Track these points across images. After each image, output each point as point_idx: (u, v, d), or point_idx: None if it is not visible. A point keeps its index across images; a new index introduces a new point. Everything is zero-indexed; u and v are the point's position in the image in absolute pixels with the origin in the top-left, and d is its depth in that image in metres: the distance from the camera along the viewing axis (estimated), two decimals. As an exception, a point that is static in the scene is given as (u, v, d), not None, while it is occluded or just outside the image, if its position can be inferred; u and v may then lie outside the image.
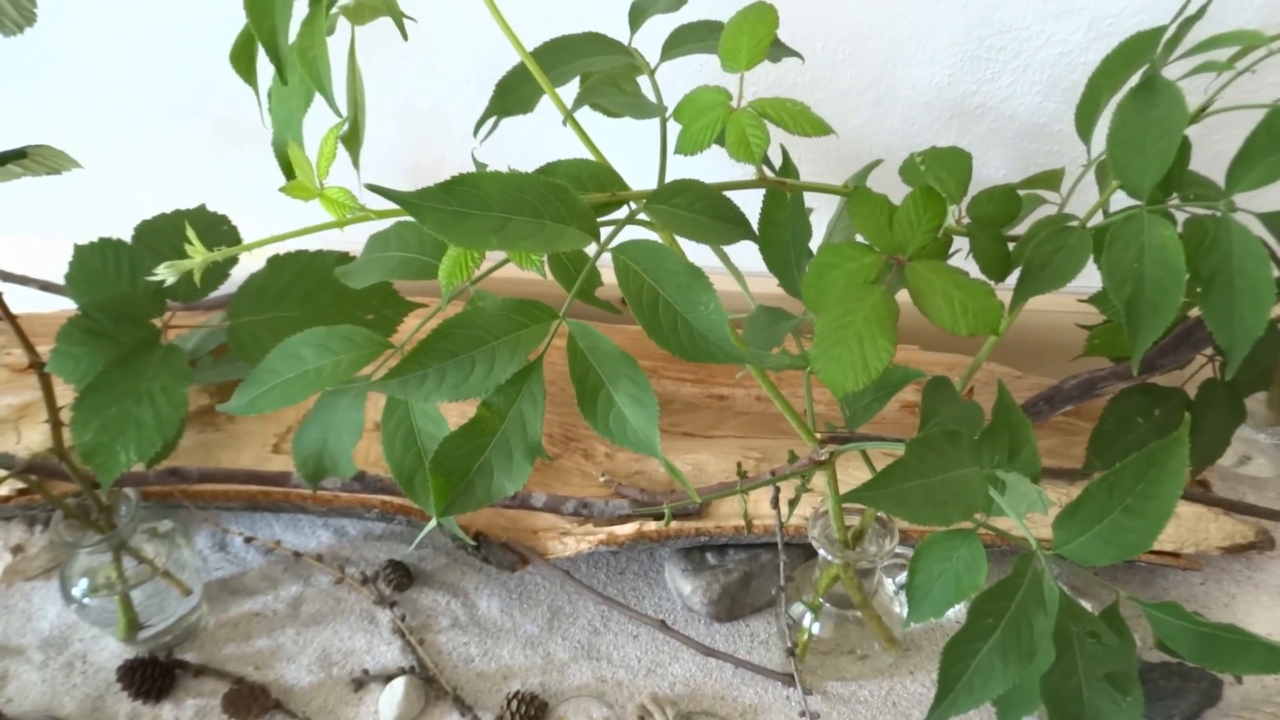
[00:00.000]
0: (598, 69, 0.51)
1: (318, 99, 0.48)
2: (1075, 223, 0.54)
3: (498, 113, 0.51)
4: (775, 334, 0.62)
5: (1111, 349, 0.63)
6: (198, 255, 0.39)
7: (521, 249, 0.39)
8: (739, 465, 0.64)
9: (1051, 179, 0.58)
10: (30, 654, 0.72)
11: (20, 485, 0.63)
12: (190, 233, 0.39)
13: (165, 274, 0.38)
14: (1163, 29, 0.55)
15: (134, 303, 0.53)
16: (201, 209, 0.59)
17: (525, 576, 0.75)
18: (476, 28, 0.76)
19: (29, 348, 0.53)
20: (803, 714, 0.63)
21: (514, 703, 0.65)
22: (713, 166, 0.57)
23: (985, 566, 0.49)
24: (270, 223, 0.47)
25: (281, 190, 0.41)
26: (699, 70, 0.74)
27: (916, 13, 0.71)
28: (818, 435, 0.57)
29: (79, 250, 0.54)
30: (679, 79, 0.68)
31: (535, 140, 0.78)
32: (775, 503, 0.65)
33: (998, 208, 0.55)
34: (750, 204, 0.49)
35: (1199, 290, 0.50)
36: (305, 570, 0.77)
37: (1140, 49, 0.56)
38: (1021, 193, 0.58)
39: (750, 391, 0.78)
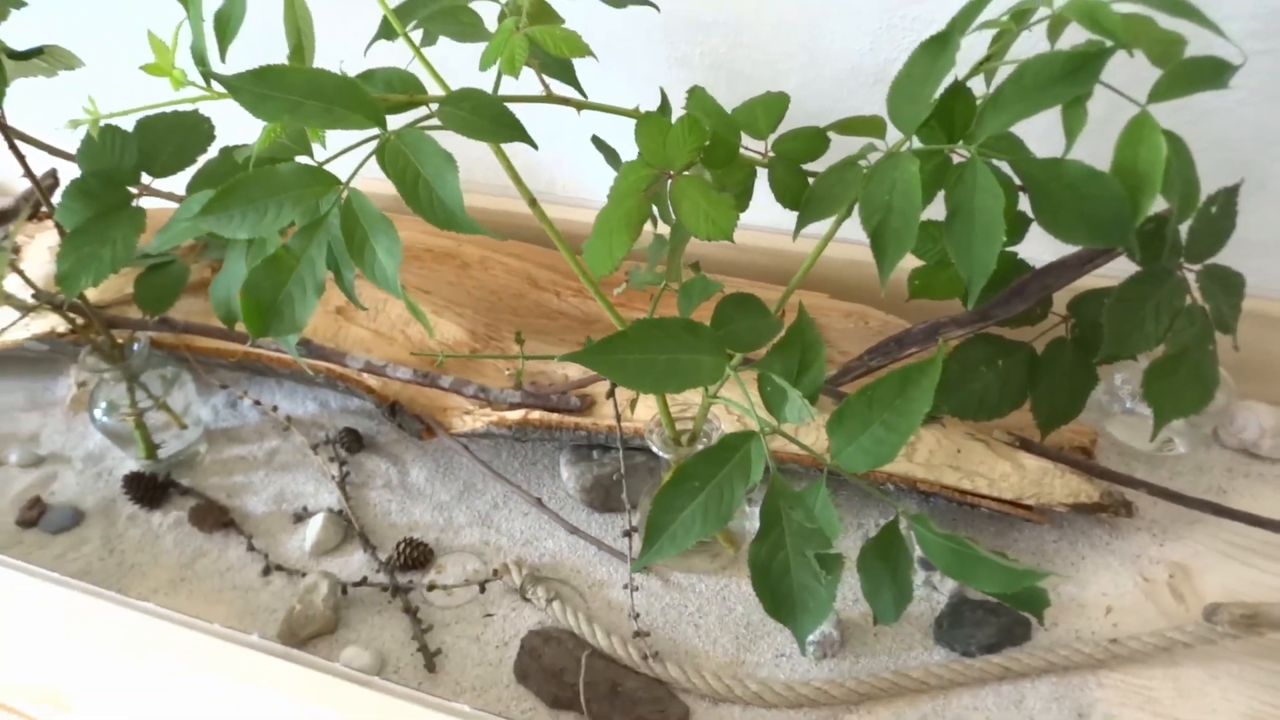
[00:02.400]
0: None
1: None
2: (864, 163, 0.60)
3: (382, 36, 0.64)
4: (654, 255, 0.71)
5: (931, 291, 0.68)
6: (92, 115, 0.53)
7: (312, 125, 0.51)
8: (586, 339, 0.73)
9: (875, 126, 0.64)
10: (75, 463, 0.92)
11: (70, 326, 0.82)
12: (91, 100, 0.53)
13: (68, 126, 0.53)
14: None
15: (119, 174, 0.69)
16: (194, 112, 0.75)
17: (452, 457, 0.87)
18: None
19: (48, 204, 0.71)
20: (625, 586, 0.72)
21: (403, 545, 0.77)
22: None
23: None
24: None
25: (142, 68, 0.55)
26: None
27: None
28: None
29: (89, 111, 0.70)
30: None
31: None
32: (610, 395, 0.73)
33: (802, 145, 0.62)
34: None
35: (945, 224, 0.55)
36: (289, 430, 0.92)
37: (973, 11, 0.61)
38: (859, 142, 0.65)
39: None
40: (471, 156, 0.93)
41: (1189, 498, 0.72)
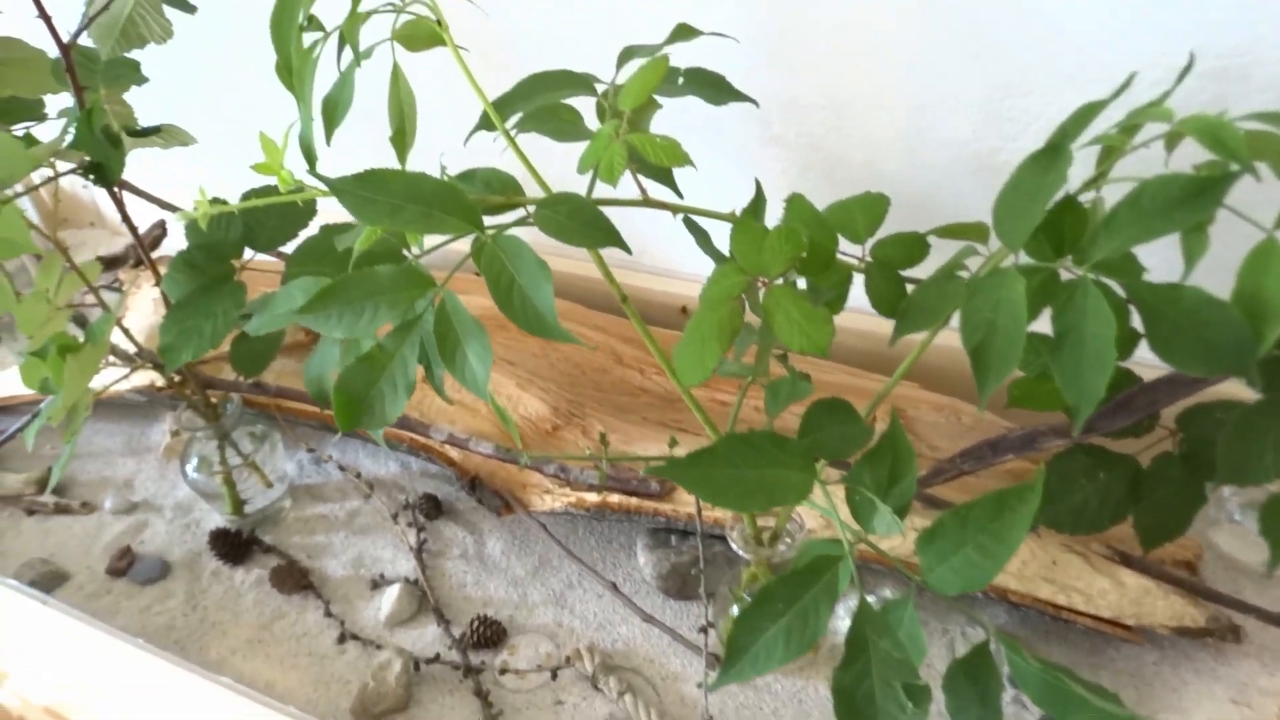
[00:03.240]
0: (564, 99, 0.62)
1: (368, 107, 0.63)
2: (966, 274, 0.58)
3: (482, 127, 0.64)
4: (742, 343, 0.70)
5: (1031, 402, 0.65)
6: (202, 208, 0.55)
7: (411, 230, 0.51)
8: (671, 439, 0.72)
9: (978, 232, 0.62)
10: (165, 512, 0.94)
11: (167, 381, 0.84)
12: (201, 191, 0.55)
13: (180, 218, 0.54)
14: (1105, 102, 0.58)
15: (223, 247, 0.71)
16: (300, 184, 0.77)
17: (529, 529, 0.87)
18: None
19: (156, 274, 0.73)
20: (699, 685, 0.71)
21: (476, 623, 0.77)
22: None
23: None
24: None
25: (253, 168, 0.57)
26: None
27: (944, 67, 0.76)
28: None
29: (200, 191, 0.72)
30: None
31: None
32: None
33: (902, 251, 0.60)
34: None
35: (1052, 348, 0.53)
36: (372, 490, 0.93)
37: (1081, 119, 0.59)
38: (957, 243, 0.63)
39: (750, 401, 0.85)
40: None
41: (1305, 627, 0.68)
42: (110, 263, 1.15)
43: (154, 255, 1.07)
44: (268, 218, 0.74)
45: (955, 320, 0.60)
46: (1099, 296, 0.51)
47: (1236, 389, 0.67)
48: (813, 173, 0.86)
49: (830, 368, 0.87)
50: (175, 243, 1.06)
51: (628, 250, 0.55)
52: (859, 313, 0.88)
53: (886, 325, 0.88)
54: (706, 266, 0.57)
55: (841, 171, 0.85)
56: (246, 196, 0.73)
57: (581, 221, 0.53)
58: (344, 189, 0.51)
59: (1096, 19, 0.70)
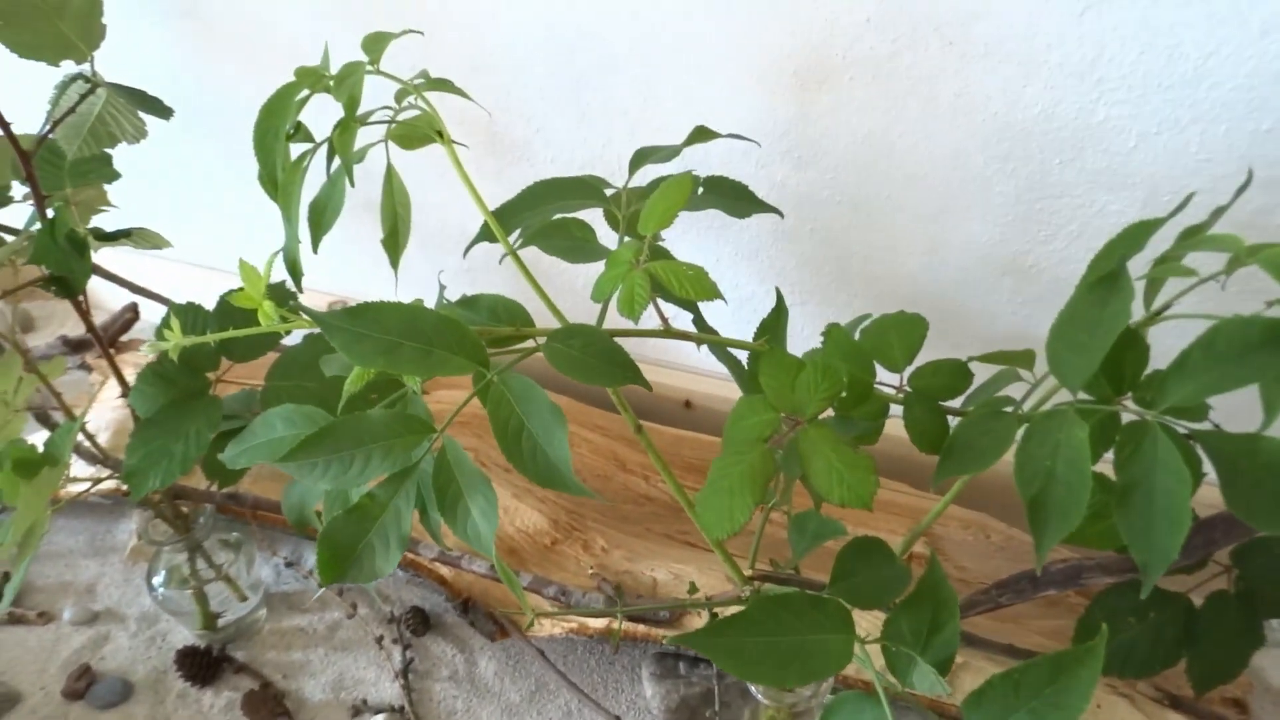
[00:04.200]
0: (573, 211, 0.57)
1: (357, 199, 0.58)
2: (1013, 408, 0.53)
3: (483, 239, 0.59)
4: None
5: (1082, 540, 0.60)
6: (174, 339, 0.49)
7: (408, 372, 0.46)
8: (691, 585, 0.67)
9: (1024, 359, 0.57)
10: (129, 623, 0.87)
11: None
12: (173, 324, 0.49)
13: (149, 350, 0.49)
14: (1160, 221, 0.53)
15: (198, 357, 0.66)
16: (280, 285, 0.71)
17: (523, 649, 0.81)
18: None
19: (122, 383, 0.67)
20: (714, 840, 0.64)
21: (469, 761, 0.71)
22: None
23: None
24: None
25: (229, 298, 0.51)
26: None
27: (969, 168, 0.72)
28: (748, 573, 0.59)
29: (171, 307, 0.67)
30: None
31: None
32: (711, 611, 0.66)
33: (943, 381, 0.55)
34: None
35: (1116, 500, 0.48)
36: (354, 596, 0.87)
37: (1133, 239, 0.55)
38: (995, 368, 0.58)
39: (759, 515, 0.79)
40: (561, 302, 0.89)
41: (1369, 778, 0.63)
42: (78, 345, 1.09)
43: (127, 338, 1.01)
44: (246, 324, 0.68)
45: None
46: (1171, 448, 0.47)
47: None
48: (827, 268, 0.82)
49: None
50: (152, 317, 1.00)
51: (648, 387, 0.50)
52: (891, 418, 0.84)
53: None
54: (709, 358, 0.52)
55: (858, 266, 0.80)
56: (222, 313, 0.68)
57: (598, 357, 0.48)
58: (334, 324, 0.46)
59: (1130, 120, 0.66)
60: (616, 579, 0.74)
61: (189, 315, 0.67)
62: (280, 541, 0.92)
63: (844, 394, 0.50)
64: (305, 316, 0.48)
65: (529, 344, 0.50)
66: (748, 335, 0.55)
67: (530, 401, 0.46)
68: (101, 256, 0.71)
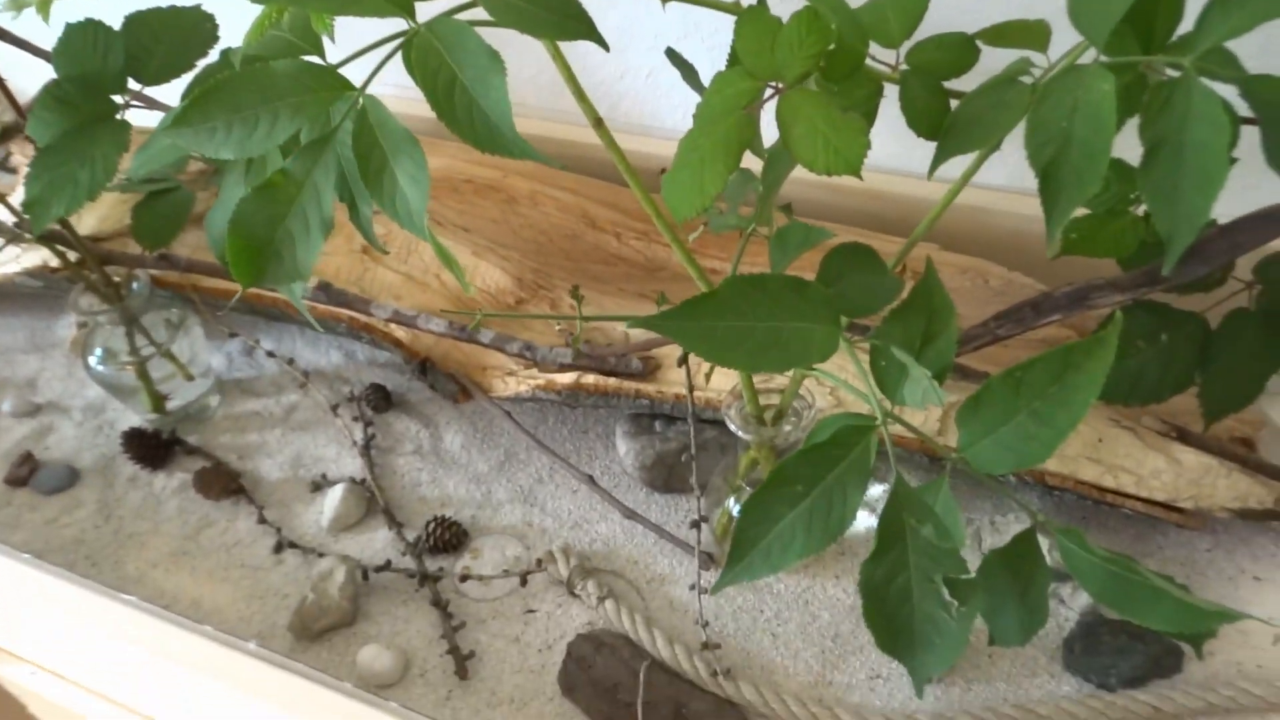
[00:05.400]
0: None
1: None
2: (1029, 79, 0.46)
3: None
4: (738, 193, 0.58)
5: (1092, 247, 0.54)
6: (41, -4, 0.42)
7: (315, 9, 0.39)
8: (660, 296, 0.60)
9: (1037, 35, 0.50)
10: (74, 413, 0.82)
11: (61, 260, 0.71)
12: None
13: (9, 7, 0.41)
14: None
15: (103, 79, 0.58)
16: (196, 8, 0.63)
17: (492, 420, 0.76)
18: None
19: (18, 110, 0.59)
20: (692, 586, 0.61)
21: (433, 525, 0.67)
22: None
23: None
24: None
25: None
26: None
27: None
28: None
29: (68, 28, 0.59)
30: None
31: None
32: (683, 361, 0.61)
33: (945, 56, 0.49)
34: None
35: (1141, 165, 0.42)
36: (311, 383, 0.82)
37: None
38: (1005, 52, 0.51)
39: (744, 268, 0.74)
40: (522, 76, 0.81)
41: (1382, 506, 0.59)
42: (2, 134, 1.00)
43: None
44: (157, 42, 0.60)
45: (980, 176, 0.49)
46: (1208, 94, 0.40)
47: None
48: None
49: (838, 229, 0.76)
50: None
51: (605, 46, 0.43)
52: (871, 170, 0.77)
53: (903, 185, 0.77)
54: (687, 121, 0.45)
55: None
56: (131, 32, 0.60)
57: (548, 6, 0.41)
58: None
59: None
60: (586, 336, 0.69)
61: (89, 33, 0.59)
62: (230, 324, 0.86)
63: (831, 53, 0.43)
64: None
65: (463, -2, 0.43)
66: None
67: (463, 49, 0.39)
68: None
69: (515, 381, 0.68)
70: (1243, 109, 0.42)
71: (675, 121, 0.87)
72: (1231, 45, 0.43)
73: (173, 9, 0.62)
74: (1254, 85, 0.41)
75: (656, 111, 0.88)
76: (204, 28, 0.62)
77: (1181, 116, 0.41)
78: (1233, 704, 0.54)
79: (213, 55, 0.61)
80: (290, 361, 0.81)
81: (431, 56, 0.39)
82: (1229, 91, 0.41)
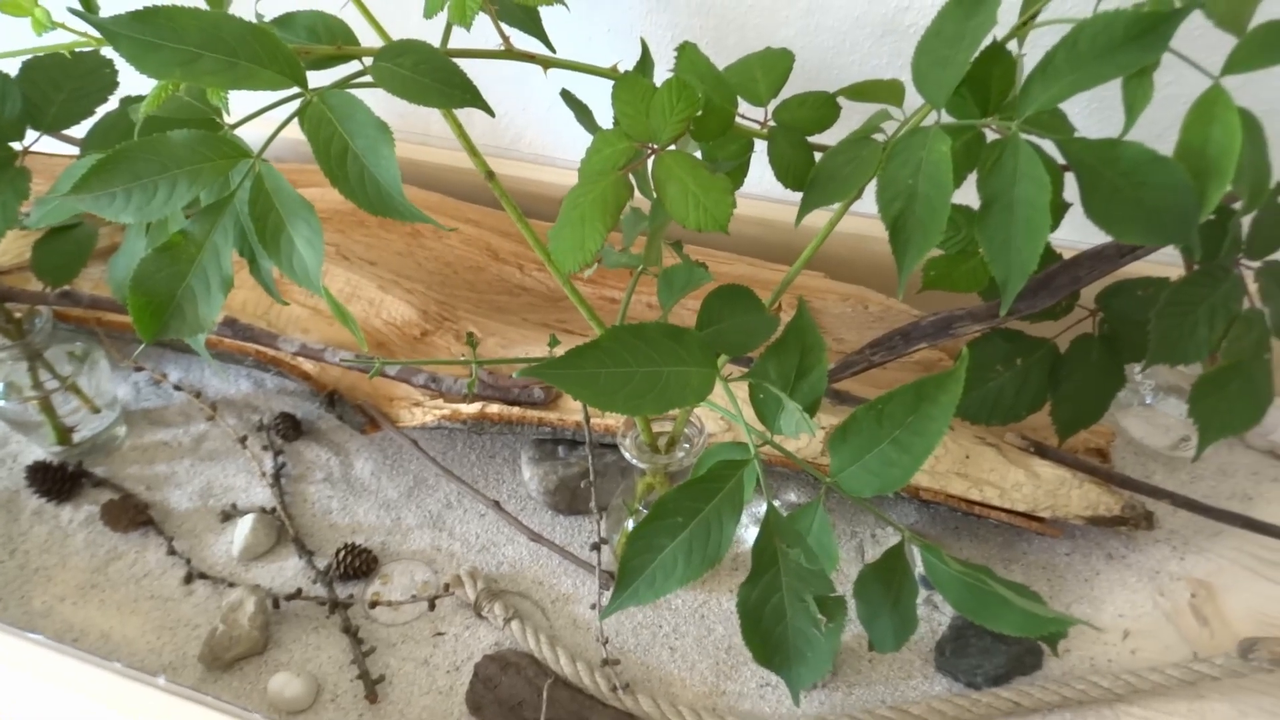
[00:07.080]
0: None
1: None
2: (881, 136, 0.51)
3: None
4: (631, 231, 0.62)
5: (949, 283, 0.60)
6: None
7: (210, 84, 0.41)
8: (551, 338, 0.64)
9: (893, 91, 0.55)
10: (-27, 448, 0.81)
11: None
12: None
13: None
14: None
15: (0, 127, 0.59)
16: (95, 53, 0.64)
17: (401, 448, 0.78)
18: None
19: (-87, 159, 0.60)
20: (593, 605, 0.65)
21: (344, 552, 0.69)
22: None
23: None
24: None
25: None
26: None
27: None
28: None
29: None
30: None
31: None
32: None
33: (809, 114, 0.53)
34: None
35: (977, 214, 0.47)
36: (220, 413, 0.82)
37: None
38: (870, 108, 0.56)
39: (641, 297, 0.77)
40: (425, 110, 0.83)
41: (1216, 510, 0.66)
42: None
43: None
44: (56, 89, 0.61)
45: (861, 204, 0.53)
46: (1032, 156, 0.45)
47: (1152, 267, 0.63)
48: (702, 40, 0.77)
49: (728, 258, 0.80)
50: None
51: (490, 112, 0.46)
52: (757, 199, 0.82)
53: (787, 212, 0.82)
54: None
55: (734, 37, 0.76)
56: (28, 79, 0.61)
57: (432, 76, 0.44)
58: (119, 30, 0.40)
59: None
60: (491, 367, 0.71)
61: (-13, 80, 0.60)
62: (134, 356, 0.87)
63: (700, 116, 0.47)
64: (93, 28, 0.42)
65: (355, 66, 0.45)
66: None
67: (353, 120, 0.42)
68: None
69: (422, 412, 0.70)
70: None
71: (578, 152, 0.90)
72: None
73: (72, 55, 0.63)
74: (1069, 146, 0.46)
75: (559, 142, 0.91)
76: (102, 74, 0.63)
77: (1010, 174, 0.46)
78: (1084, 696, 0.60)
79: (112, 102, 0.62)
80: (198, 394, 0.81)
81: (324, 125, 0.42)
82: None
